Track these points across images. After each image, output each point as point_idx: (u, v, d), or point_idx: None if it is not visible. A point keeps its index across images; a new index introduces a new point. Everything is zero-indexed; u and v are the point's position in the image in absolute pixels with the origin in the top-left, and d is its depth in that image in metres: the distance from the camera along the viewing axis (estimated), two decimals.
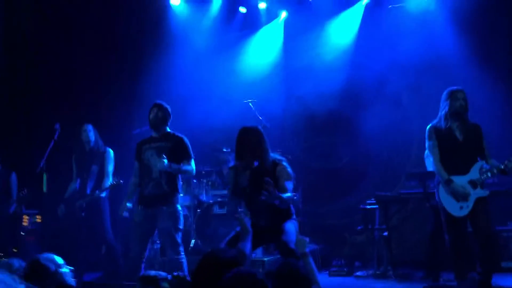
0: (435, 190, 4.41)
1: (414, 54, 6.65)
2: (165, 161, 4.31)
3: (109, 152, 5.51)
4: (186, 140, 4.59)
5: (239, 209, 3.68)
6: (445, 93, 4.39)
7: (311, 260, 3.16)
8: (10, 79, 7.29)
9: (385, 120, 6.86)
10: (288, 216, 3.75)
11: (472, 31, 6.52)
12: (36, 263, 2.61)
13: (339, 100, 7.14)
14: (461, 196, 4.17)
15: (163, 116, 4.58)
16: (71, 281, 2.68)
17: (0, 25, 7.26)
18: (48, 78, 7.22)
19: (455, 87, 4.38)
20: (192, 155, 4.58)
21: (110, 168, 5.47)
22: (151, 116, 4.58)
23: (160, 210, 4.41)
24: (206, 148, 6.93)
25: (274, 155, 3.86)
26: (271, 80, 7.42)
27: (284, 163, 3.78)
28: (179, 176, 4.59)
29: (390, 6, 7.11)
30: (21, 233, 5.79)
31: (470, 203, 4.19)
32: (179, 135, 4.63)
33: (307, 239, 3.35)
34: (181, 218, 4.50)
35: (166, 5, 7.68)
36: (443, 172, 4.28)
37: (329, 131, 7.30)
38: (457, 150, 4.29)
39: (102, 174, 5.42)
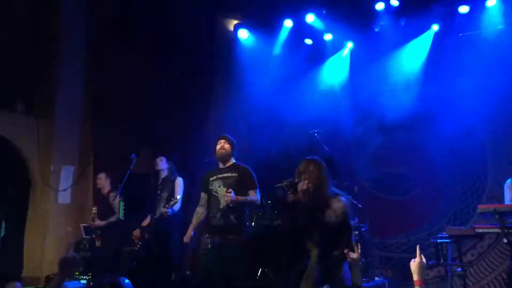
0: None
1: (487, 82, 6.44)
2: (232, 194, 4.40)
3: (179, 180, 5.75)
4: (251, 170, 4.68)
5: None
6: None
7: None
8: (94, 111, 7.76)
9: (458, 151, 6.65)
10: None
11: None
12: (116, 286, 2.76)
13: (409, 130, 7.00)
14: None
15: (229, 148, 4.70)
16: None
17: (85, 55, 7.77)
18: (126, 111, 7.63)
19: None
20: (257, 185, 4.65)
21: (180, 193, 5.68)
22: (218, 148, 4.71)
23: (227, 239, 4.48)
24: (274, 178, 6.99)
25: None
26: (340, 110, 7.41)
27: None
28: (246, 206, 4.66)
29: (461, 34, 6.95)
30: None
31: None
32: (245, 165, 4.72)
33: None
34: None
35: (234, 39, 7.96)
36: None
37: (398, 161, 7.15)
38: None
39: (171, 200, 5.64)
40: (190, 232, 4.69)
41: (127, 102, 7.53)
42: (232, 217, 4.52)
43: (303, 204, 3.47)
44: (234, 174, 4.63)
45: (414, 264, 2.49)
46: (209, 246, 4.54)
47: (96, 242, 6.38)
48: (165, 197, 5.69)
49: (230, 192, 4.43)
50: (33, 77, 7.41)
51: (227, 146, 4.70)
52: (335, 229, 3.37)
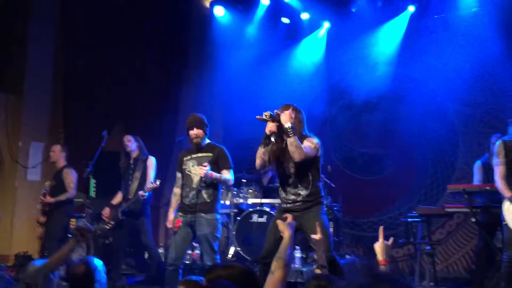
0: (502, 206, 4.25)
1: (462, 65, 6.51)
2: (208, 168, 4.39)
3: (151, 159, 5.68)
4: (225, 150, 4.66)
5: None
6: None
7: None
8: (66, 87, 7.58)
9: (430, 133, 6.74)
10: None
11: None
12: (87, 265, 2.72)
13: (383, 112, 7.05)
14: None
15: (202, 134, 4.64)
16: (105, 285, 2.78)
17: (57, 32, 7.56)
18: (98, 87, 7.47)
19: None
20: (232, 165, 4.64)
21: (152, 173, 5.64)
22: (192, 137, 4.61)
23: (199, 217, 4.49)
24: (248, 157, 6.99)
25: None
26: (314, 90, 7.43)
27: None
28: (219, 185, 4.66)
29: (436, 16, 6.99)
30: (68, 235, 5.99)
31: None
32: (219, 145, 4.70)
33: None
34: (220, 227, 4.56)
35: (210, 16, 7.84)
36: (506, 190, 4.15)
37: (372, 142, 7.22)
38: None
39: (144, 180, 5.59)
40: (171, 216, 4.66)
41: (99, 79, 7.38)
42: (205, 195, 4.52)
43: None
44: (208, 154, 4.61)
45: (377, 245, 2.60)
46: (182, 224, 4.54)
47: (41, 219, 6.09)
48: (138, 176, 5.63)
49: (206, 166, 4.41)
50: (2, 53, 7.18)
51: (199, 132, 4.63)
52: (309, 161, 3.81)
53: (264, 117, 3.82)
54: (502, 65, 6.30)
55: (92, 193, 5.41)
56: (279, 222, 2.62)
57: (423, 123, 6.70)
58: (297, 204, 3.90)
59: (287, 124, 3.73)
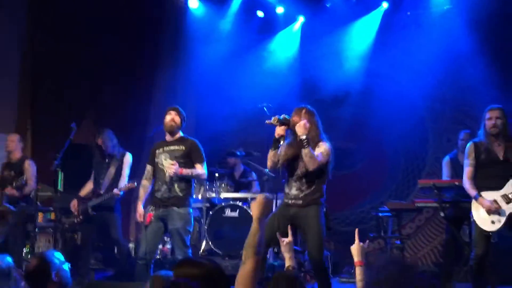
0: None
1: (432, 62, 6.60)
2: (176, 166, 4.34)
3: (128, 156, 5.56)
4: (198, 143, 4.63)
5: None
6: (485, 111, 4.33)
7: None
8: (34, 76, 7.37)
9: (401, 128, 6.82)
10: None
11: (492, 37, 6.43)
12: (41, 259, 2.64)
13: (355, 106, 7.10)
14: (491, 211, 4.11)
15: (179, 121, 4.61)
16: (69, 279, 2.71)
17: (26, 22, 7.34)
18: (68, 78, 7.29)
19: (494, 106, 4.32)
20: (205, 159, 4.60)
21: (127, 171, 5.52)
22: (168, 119, 4.60)
23: (171, 211, 4.43)
24: (220, 151, 6.95)
25: None
26: (287, 84, 7.41)
27: None
28: (192, 179, 4.61)
29: (409, 12, 7.06)
30: (35, 230, 5.83)
31: (503, 218, 4.10)
32: (192, 138, 4.66)
33: None
34: (192, 221, 4.52)
35: (184, 8, 7.73)
36: (472, 190, 4.24)
37: (344, 136, 7.25)
38: (496, 168, 4.22)
39: (118, 176, 5.47)
40: (140, 208, 4.60)
41: (69, 70, 7.19)
42: (177, 189, 4.47)
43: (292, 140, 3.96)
44: (181, 147, 4.57)
45: (353, 248, 2.67)
46: (153, 218, 4.49)
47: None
48: (113, 173, 5.50)
49: (174, 164, 4.36)
50: None
51: (177, 118, 4.61)
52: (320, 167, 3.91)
53: (272, 121, 3.93)
54: (472, 62, 6.41)
55: (60, 186, 5.26)
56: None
57: (394, 118, 6.77)
58: (298, 200, 3.97)
59: (302, 136, 3.83)
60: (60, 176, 5.12)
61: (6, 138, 6.09)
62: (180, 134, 4.67)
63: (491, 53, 6.31)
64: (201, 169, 4.54)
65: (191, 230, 4.53)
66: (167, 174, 4.48)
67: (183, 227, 4.42)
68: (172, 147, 4.57)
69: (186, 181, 4.52)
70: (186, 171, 4.43)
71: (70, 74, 7.17)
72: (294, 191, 3.99)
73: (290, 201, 4.01)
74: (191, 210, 4.54)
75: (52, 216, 6.29)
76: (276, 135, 3.95)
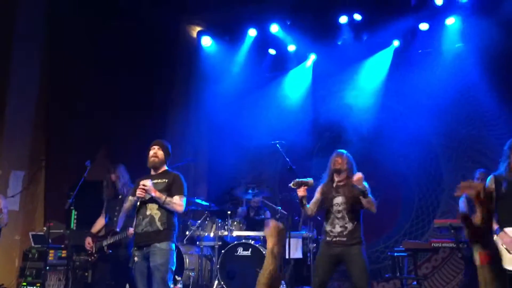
0: None
1: (445, 98, 6.59)
2: (149, 182, 4.26)
3: None
4: (181, 177, 4.49)
5: None
6: (508, 147, 4.26)
7: None
8: (47, 112, 7.45)
9: (415, 165, 6.76)
10: None
11: (506, 74, 6.42)
12: None
13: (368, 144, 7.07)
14: None
15: (162, 156, 4.53)
16: None
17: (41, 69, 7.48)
18: (81, 114, 7.37)
19: None
20: (185, 193, 4.44)
21: None
22: (150, 154, 4.50)
23: (153, 247, 4.25)
24: (234, 189, 6.90)
25: None
26: (300, 121, 7.43)
27: None
28: (175, 214, 4.44)
29: (420, 50, 7.11)
30: (46, 268, 5.78)
31: None
32: (176, 172, 4.55)
33: None
34: (173, 257, 4.32)
35: (197, 46, 7.86)
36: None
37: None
38: None
39: (132, 213, 5.41)
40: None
41: (83, 107, 7.27)
42: (158, 223, 4.30)
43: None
44: (163, 180, 4.43)
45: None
46: (136, 259, 4.32)
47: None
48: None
49: (146, 185, 4.24)
50: None
51: (160, 153, 4.52)
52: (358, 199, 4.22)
53: (292, 185, 4.31)
54: (486, 100, 6.39)
55: (73, 225, 5.23)
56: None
57: (408, 156, 6.73)
58: (343, 238, 4.18)
59: (362, 188, 4.16)
60: (73, 215, 5.10)
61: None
62: (165, 168, 4.56)
63: (504, 90, 6.30)
64: (178, 200, 4.37)
65: (173, 267, 4.34)
66: (148, 208, 4.32)
67: (163, 264, 4.20)
68: (155, 181, 4.44)
69: (168, 214, 4.34)
70: (159, 194, 4.28)
71: (83, 112, 7.24)
72: (338, 228, 4.21)
73: (333, 239, 4.19)
74: (173, 246, 4.33)
75: (63, 253, 6.25)
76: (300, 197, 4.27)
